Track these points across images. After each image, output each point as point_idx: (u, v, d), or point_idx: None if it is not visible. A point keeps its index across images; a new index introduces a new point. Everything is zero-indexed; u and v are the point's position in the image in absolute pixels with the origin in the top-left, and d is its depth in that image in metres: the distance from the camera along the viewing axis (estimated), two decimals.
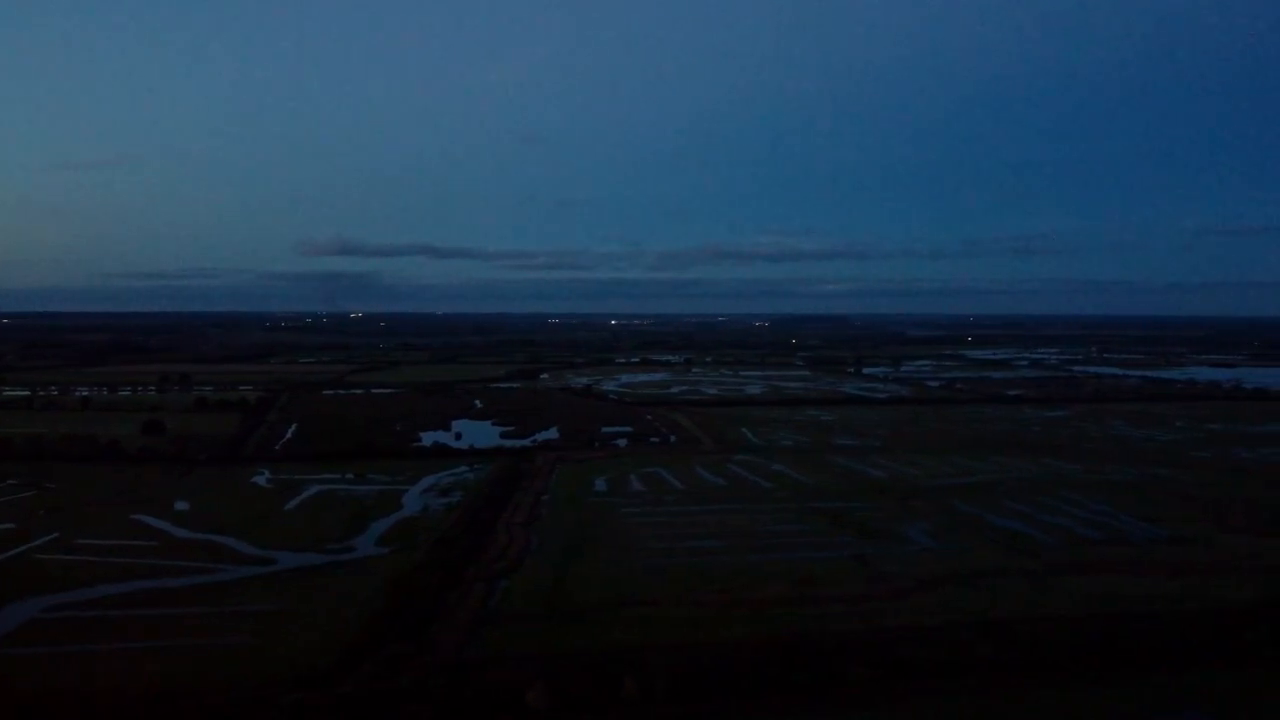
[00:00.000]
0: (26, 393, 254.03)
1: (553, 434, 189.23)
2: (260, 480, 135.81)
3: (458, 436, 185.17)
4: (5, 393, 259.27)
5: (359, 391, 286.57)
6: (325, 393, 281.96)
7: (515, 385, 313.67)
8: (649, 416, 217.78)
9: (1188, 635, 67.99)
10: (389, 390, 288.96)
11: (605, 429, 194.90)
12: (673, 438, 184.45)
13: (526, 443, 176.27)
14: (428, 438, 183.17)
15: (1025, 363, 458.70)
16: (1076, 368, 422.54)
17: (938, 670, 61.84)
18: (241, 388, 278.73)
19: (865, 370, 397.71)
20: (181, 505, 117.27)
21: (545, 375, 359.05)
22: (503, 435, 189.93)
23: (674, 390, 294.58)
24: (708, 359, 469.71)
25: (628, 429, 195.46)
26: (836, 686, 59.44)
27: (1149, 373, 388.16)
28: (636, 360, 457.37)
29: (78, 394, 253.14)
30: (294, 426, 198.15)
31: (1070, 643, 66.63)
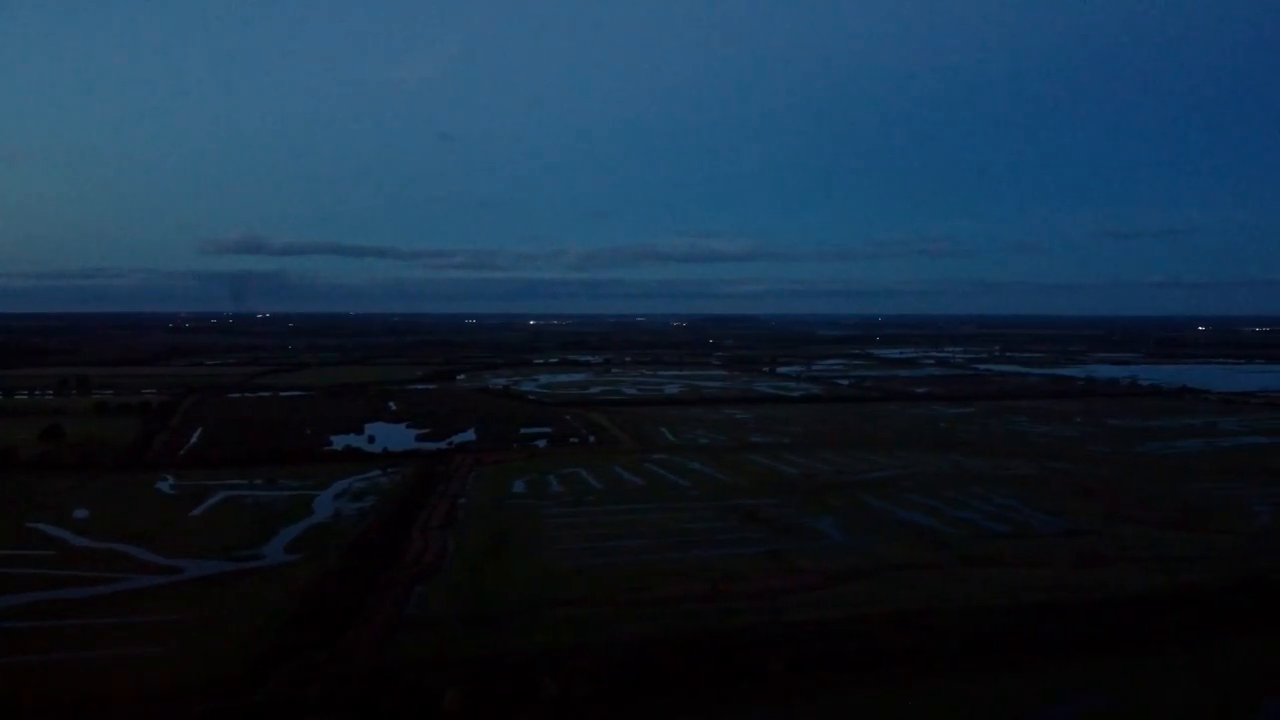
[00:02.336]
0: None
1: (470, 436, 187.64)
2: (164, 487, 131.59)
3: (371, 440, 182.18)
4: None
5: (267, 394, 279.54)
6: (232, 396, 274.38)
7: (431, 387, 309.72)
8: (568, 417, 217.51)
9: (1090, 624, 70.79)
10: (299, 393, 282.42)
11: (524, 430, 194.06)
12: (592, 438, 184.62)
13: (443, 445, 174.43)
14: (340, 441, 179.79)
15: (932, 361, 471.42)
16: (980, 366, 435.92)
17: (851, 662, 63.28)
18: (144, 391, 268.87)
19: (780, 370, 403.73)
20: (81, 513, 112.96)
21: (462, 376, 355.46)
22: (418, 438, 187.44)
23: (593, 390, 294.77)
24: (627, 359, 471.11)
25: (547, 430, 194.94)
26: (752, 681, 60.38)
27: (1049, 370, 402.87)
28: (556, 361, 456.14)
29: None
30: (199, 431, 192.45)
31: (977, 632, 68.90)
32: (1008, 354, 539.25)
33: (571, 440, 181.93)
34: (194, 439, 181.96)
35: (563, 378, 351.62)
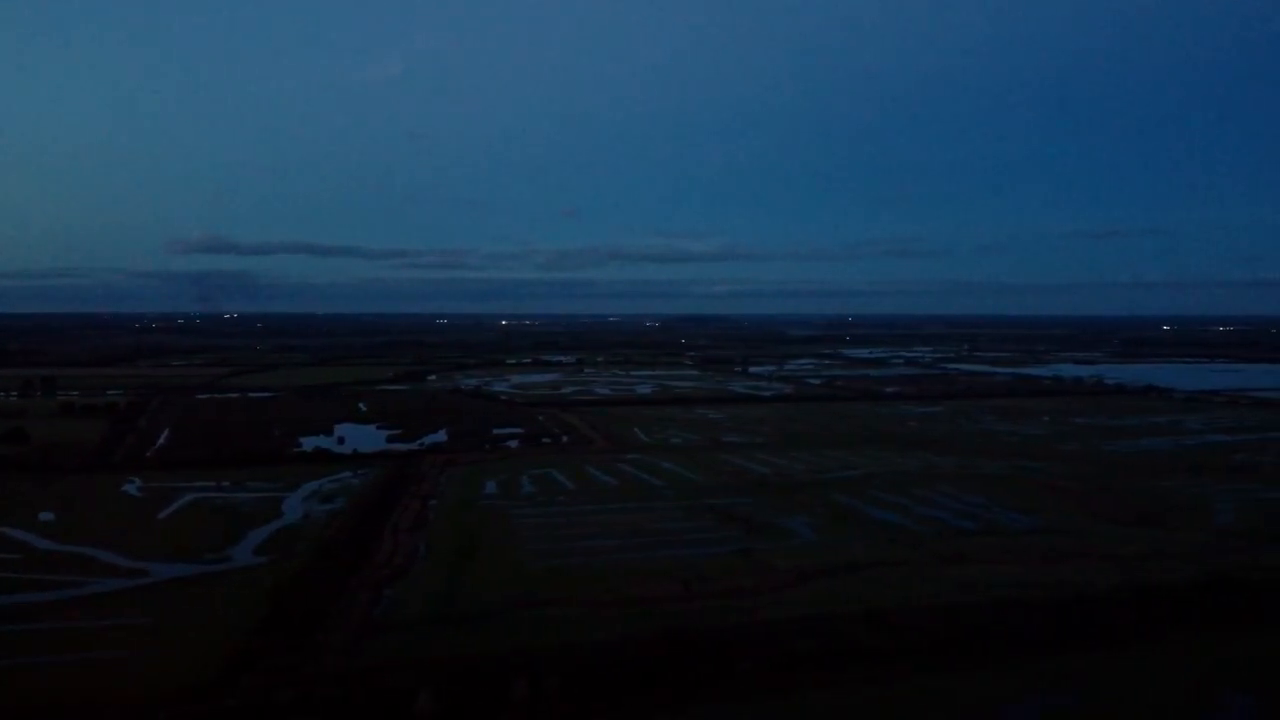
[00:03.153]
0: None
1: (441, 437, 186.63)
2: (131, 489, 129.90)
3: (341, 441, 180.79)
4: None
5: (235, 395, 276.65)
6: (200, 396, 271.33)
7: (402, 387, 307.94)
8: (541, 417, 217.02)
9: (1059, 620, 71.63)
10: (267, 393, 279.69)
11: (496, 431, 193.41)
12: (565, 438, 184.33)
13: (414, 446, 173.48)
14: (309, 442, 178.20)
15: (901, 361, 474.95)
16: (949, 365, 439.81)
17: (822, 660, 63.62)
18: (110, 392, 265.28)
19: (751, 369, 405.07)
20: (47, 516, 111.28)
21: (433, 377, 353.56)
22: (389, 439, 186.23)
23: (566, 391, 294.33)
24: (599, 359, 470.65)
25: (519, 430, 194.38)
26: (724, 680, 60.54)
27: (1017, 370, 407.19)
28: (528, 361, 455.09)
29: None
30: (167, 432, 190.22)
31: (948, 630, 69.48)
32: (976, 354, 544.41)
33: (544, 440, 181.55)
34: (161, 440, 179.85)
35: (535, 378, 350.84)
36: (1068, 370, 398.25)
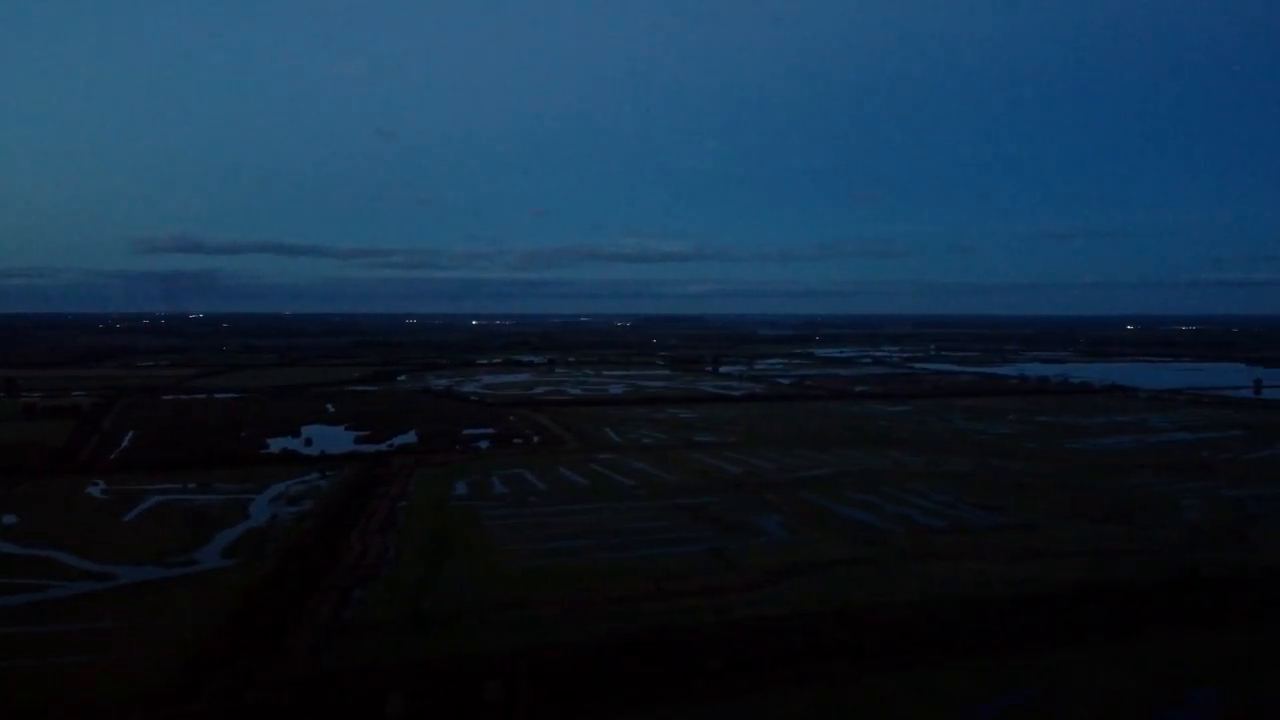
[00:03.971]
0: None
1: (411, 438, 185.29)
2: (95, 491, 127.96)
3: (309, 442, 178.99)
4: None
5: (202, 396, 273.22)
6: (165, 398, 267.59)
7: (371, 388, 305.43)
8: (512, 418, 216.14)
9: (1027, 616, 72.41)
10: (234, 394, 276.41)
11: (466, 431, 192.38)
12: (536, 438, 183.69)
13: (383, 447, 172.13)
14: (276, 444, 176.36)
15: (870, 360, 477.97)
16: (917, 365, 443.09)
17: (792, 659, 63.82)
18: (74, 393, 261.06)
19: (722, 369, 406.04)
20: (9, 519, 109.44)
21: (403, 377, 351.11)
22: (357, 440, 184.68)
23: (537, 391, 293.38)
24: (571, 359, 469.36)
25: (490, 431, 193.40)
26: (695, 679, 60.57)
27: (984, 369, 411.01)
28: (499, 361, 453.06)
29: None
30: (131, 434, 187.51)
31: (918, 627, 69.99)
32: (943, 353, 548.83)
33: (515, 441, 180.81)
34: (126, 442, 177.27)
35: (506, 378, 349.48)
36: (1034, 369, 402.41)
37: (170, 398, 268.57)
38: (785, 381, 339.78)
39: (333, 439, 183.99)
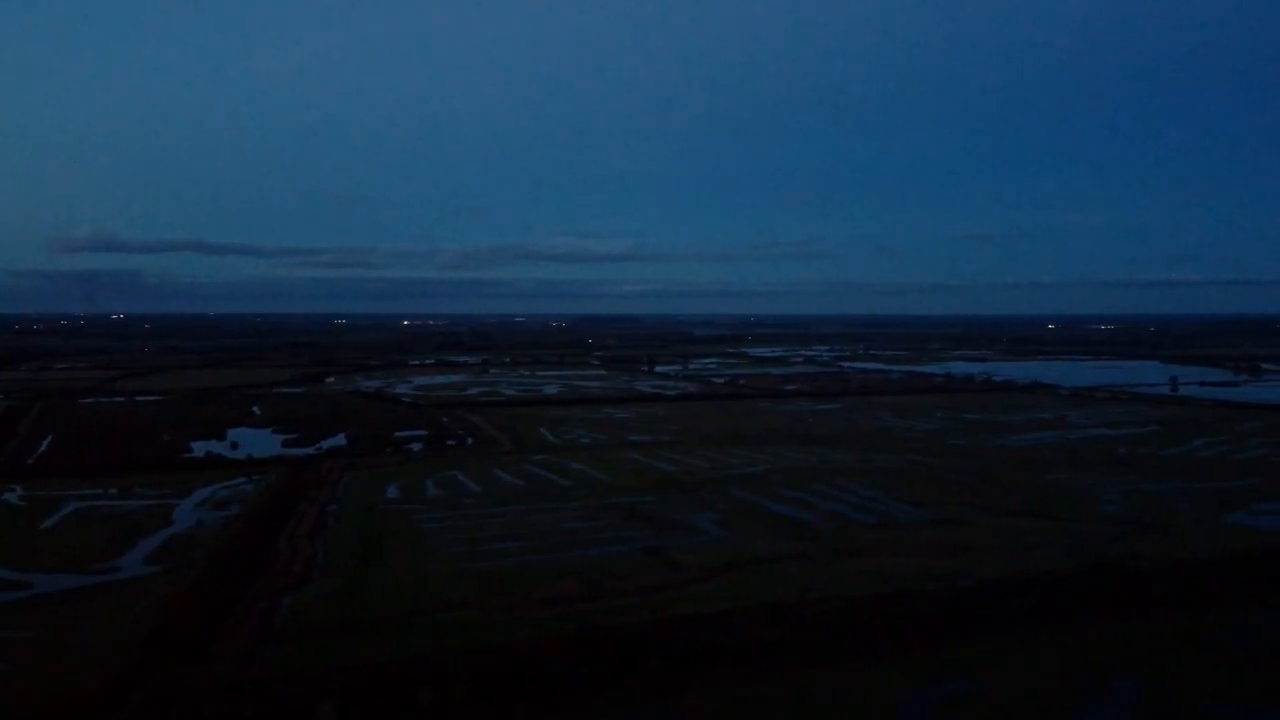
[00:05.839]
0: None
1: (341, 441, 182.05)
2: (11, 498, 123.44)
3: (234, 446, 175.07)
4: None
5: (122, 399, 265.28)
6: (84, 401, 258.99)
7: (299, 390, 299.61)
8: (445, 419, 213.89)
9: (953, 610, 73.85)
10: (156, 397, 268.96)
11: (398, 434, 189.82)
12: (470, 440, 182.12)
13: (311, 450, 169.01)
14: (200, 448, 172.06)
15: (800, 359, 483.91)
16: (846, 364, 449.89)
17: (727, 655, 64.29)
18: None
19: (658, 369, 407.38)
20: None
21: (332, 379, 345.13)
22: (285, 443, 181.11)
23: (471, 392, 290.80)
24: (506, 359, 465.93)
25: (422, 433, 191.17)
26: (630, 678, 60.69)
27: (911, 367, 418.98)
28: (431, 362, 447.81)
29: None
30: (49, 438, 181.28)
31: (848, 622, 70.99)
32: (871, 352, 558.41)
33: (448, 443, 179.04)
34: (43, 447, 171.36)
35: (439, 379, 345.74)
36: (959, 368, 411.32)
37: (90, 401, 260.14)
38: (720, 381, 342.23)
39: (260, 442, 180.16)
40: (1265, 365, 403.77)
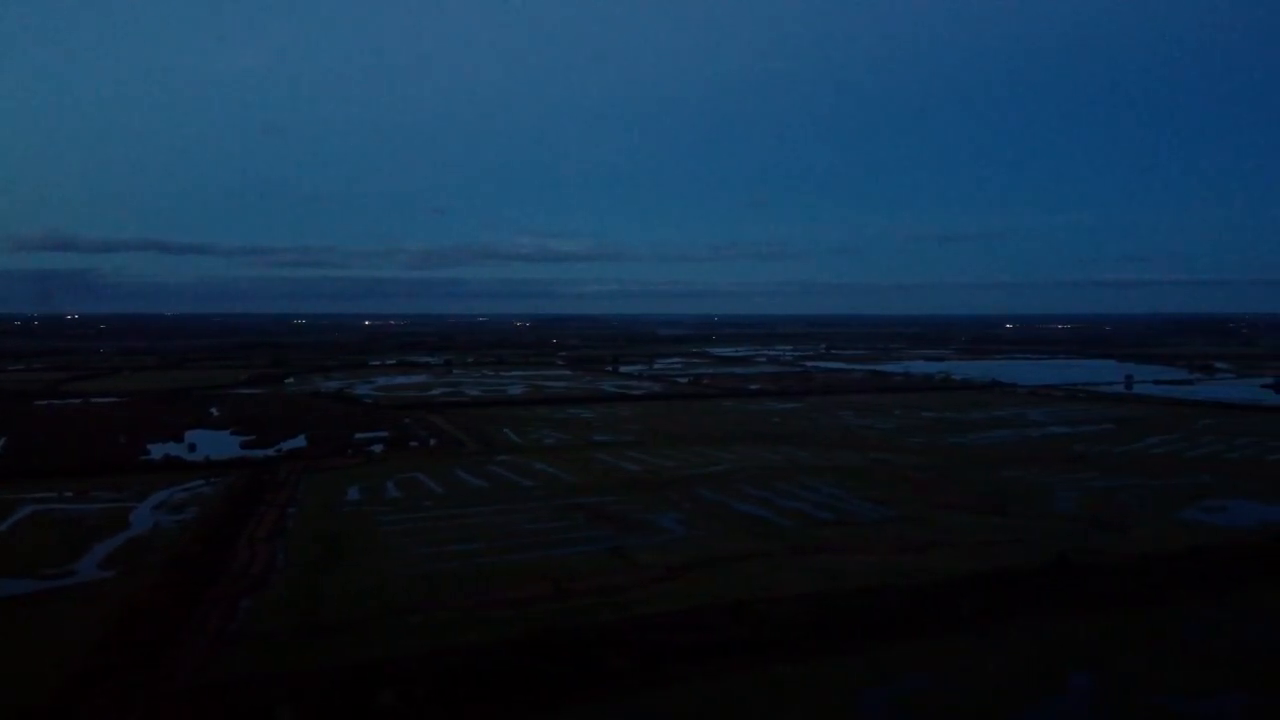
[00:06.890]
0: None
1: (301, 442, 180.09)
2: None
3: (192, 448, 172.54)
4: None
5: (77, 401, 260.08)
6: (38, 403, 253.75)
7: (258, 391, 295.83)
8: (407, 420, 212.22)
9: (912, 606, 74.61)
10: (112, 399, 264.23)
11: (359, 435, 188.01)
12: (432, 441, 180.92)
13: (271, 452, 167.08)
14: (157, 450, 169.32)
15: (764, 359, 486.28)
16: (809, 363, 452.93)
17: (691, 653, 64.49)
18: None
19: (622, 368, 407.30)
20: None
21: (291, 380, 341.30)
22: (243, 445, 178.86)
23: (434, 392, 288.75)
24: (469, 360, 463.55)
25: (384, 434, 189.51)
26: (595, 678, 60.69)
27: (872, 366, 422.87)
28: (393, 362, 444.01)
29: None
30: (2, 441, 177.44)
31: (809, 618, 71.53)
32: (833, 351, 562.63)
33: (410, 444, 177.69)
34: None
35: (401, 380, 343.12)
36: (918, 366, 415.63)
37: (44, 403, 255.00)
38: (684, 380, 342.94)
39: (218, 444, 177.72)
40: (1218, 364, 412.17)
